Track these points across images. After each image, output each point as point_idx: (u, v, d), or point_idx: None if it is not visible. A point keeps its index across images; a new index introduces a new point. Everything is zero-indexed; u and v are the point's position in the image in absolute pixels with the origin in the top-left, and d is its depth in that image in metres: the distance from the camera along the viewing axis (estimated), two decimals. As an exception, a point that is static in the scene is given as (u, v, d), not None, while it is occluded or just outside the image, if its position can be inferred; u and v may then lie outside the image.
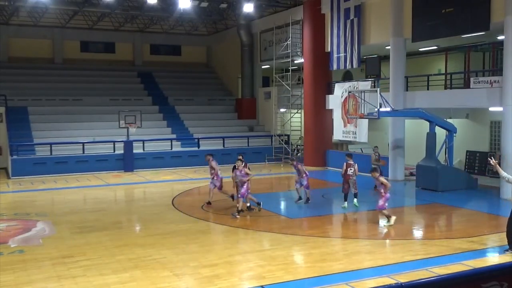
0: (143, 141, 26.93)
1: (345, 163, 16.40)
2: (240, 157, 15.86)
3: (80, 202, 18.67)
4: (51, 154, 24.98)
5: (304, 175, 16.56)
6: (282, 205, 18.35)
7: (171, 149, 27.66)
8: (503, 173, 11.50)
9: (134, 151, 26.22)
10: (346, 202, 16.26)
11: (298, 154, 29.56)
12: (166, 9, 29.63)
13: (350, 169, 16.20)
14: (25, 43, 33.68)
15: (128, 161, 25.90)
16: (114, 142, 26.26)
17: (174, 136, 28.94)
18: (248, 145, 29.07)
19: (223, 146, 28.56)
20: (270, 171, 26.11)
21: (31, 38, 33.68)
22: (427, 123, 19.96)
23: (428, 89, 22.32)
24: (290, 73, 28.60)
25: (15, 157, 24.52)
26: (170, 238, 12.80)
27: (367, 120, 21.88)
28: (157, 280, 9.75)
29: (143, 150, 26.81)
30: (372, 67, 24.30)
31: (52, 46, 34.61)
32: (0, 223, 14.70)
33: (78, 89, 31.75)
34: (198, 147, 28.24)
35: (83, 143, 25.86)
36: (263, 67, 33.18)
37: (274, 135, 29.82)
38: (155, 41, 37.34)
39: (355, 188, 16.39)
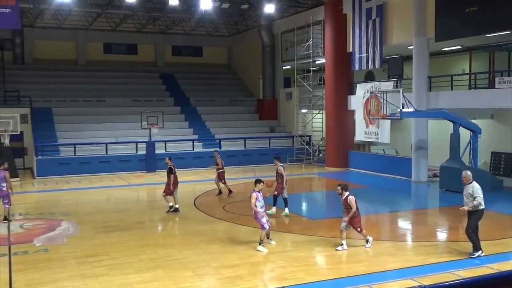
0: (165, 141, 27.09)
1: (282, 167, 15.40)
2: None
3: (103, 202, 18.87)
4: (75, 154, 25.33)
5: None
6: (304, 206, 18.31)
7: (193, 149, 27.79)
8: (475, 201, 10.60)
9: (156, 151, 26.39)
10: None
11: (320, 155, 29.45)
12: (187, 11, 29.81)
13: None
14: (50, 45, 34.20)
15: (150, 162, 26.10)
16: (136, 142, 26.50)
17: (195, 137, 29.07)
18: (269, 146, 29.07)
19: (244, 147, 28.61)
20: (291, 172, 26.02)
21: (55, 40, 34.18)
22: (451, 124, 19.69)
23: (451, 89, 22.04)
24: (311, 73, 28.47)
25: (40, 157, 24.92)
26: (191, 239, 12.86)
27: (389, 120, 21.69)
28: (179, 280, 9.80)
29: (165, 150, 26.91)
30: (395, 67, 24.09)
31: (75, 48, 35.07)
32: (25, 222, 14.97)
33: (101, 90, 32.16)
34: (220, 147, 28.30)
35: (106, 144, 26.15)
36: (284, 67, 33.11)
37: (296, 136, 29.75)
38: (177, 43, 37.60)
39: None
